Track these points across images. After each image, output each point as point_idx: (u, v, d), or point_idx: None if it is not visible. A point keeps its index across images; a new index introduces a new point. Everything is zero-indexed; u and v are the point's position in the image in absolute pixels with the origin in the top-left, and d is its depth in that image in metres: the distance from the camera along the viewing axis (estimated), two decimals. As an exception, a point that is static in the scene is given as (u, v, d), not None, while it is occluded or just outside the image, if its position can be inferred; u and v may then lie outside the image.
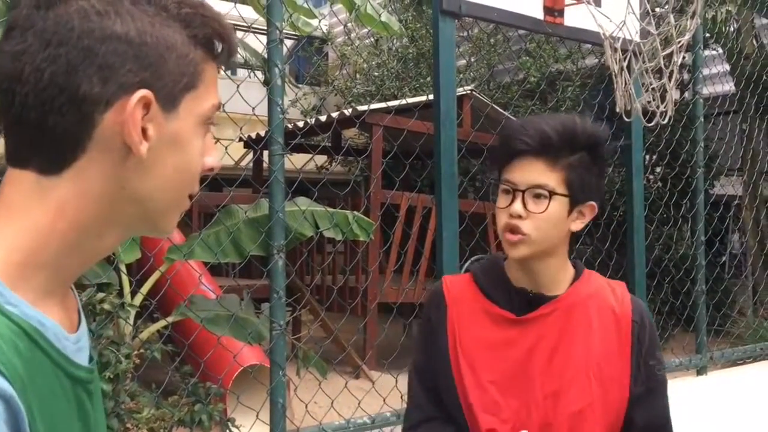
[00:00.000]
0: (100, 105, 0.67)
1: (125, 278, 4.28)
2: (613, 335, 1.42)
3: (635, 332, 1.42)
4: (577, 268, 1.50)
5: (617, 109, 2.73)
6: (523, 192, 1.38)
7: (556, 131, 1.37)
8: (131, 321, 3.96)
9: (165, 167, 0.72)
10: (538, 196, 1.38)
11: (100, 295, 3.17)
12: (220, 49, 0.74)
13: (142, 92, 0.68)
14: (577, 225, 1.43)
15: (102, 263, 4.24)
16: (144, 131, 0.69)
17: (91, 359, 0.76)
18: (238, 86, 2.55)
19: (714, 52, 6.83)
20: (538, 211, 1.37)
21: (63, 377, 0.69)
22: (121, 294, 4.09)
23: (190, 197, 0.77)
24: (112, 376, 2.80)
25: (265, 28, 2.49)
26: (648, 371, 1.42)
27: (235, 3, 2.98)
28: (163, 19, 0.70)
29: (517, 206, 1.38)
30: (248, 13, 4.48)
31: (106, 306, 3.11)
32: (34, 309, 0.67)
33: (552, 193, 1.37)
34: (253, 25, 2.78)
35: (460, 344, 1.45)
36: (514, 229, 1.39)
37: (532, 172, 1.38)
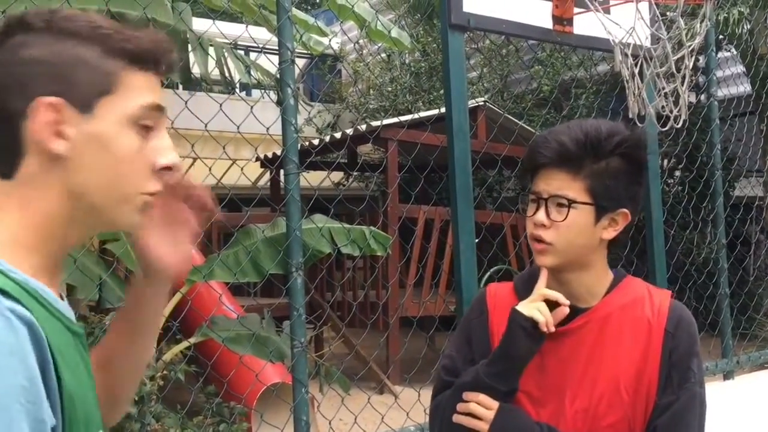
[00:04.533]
0: (22, 117, 0.82)
1: (147, 301, 4.31)
2: (645, 347, 1.38)
3: (667, 343, 1.38)
4: (618, 275, 1.47)
5: (630, 115, 2.73)
6: (546, 201, 1.39)
7: (575, 142, 1.36)
8: (154, 343, 3.99)
9: (93, 164, 0.84)
10: (560, 205, 1.37)
11: (123, 318, 3.19)
12: (148, 60, 0.87)
13: (47, 99, 0.82)
14: (609, 233, 1.40)
15: (124, 287, 4.29)
16: (63, 133, 0.82)
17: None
18: (252, 107, 2.58)
19: (728, 54, 6.80)
20: (560, 220, 1.37)
21: (65, 331, 0.82)
22: (143, 316, 4.12)
23: (151, 195, 0.88)
24: (137, 399, 2.82)
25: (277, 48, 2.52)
26: (678, 381, 1.36)
27: (247, 25, 3.03)
28: (75, 42, 0.84)
29: (540, 215, 1.39)
30: (261, 34, 4.53)
31: (130, 329, 3.13)
32: (32, 278, 0.80)
33: (572, 203, 1.36)
34: (266, 46, 2.82)
35: None
36: (539, 238, 1.40)
37: (554, 181, 1.38)
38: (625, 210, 1.40)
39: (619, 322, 1.40)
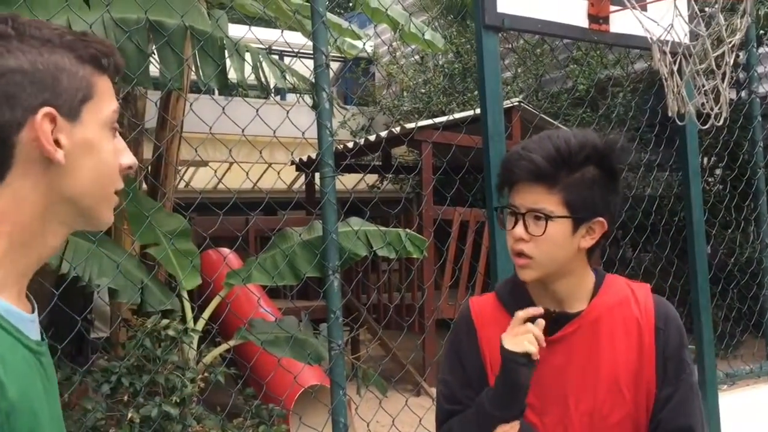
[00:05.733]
0: (14, 128, 0.81)
1: (187, 304, 4.38)
2: (639, 345, 1.42)
3: (659, 338, 1.43)
4: (599, 275, 1.49)
5: (669, 113, 2.69)
6: (524, 215, 1.39)
7: (547, 158, 1.36)
8: (195, 346, 4.05)
9: (84, 168, 0.85)
10: (538, 218, 1.38)
11: (165, 321, 3.25)
12: (106, 64, 0.88)
13: (45, 109, 0.82)
14: (587, 242, 1.41)
15: (165, 290, 4.37)
16: (57, 141, 0.83)
17: (42, 339, 0.88)
18: (288, 112, 2.61)
19: (769, 49, 6.64)
20: (538, 234, 1.38)
21: (17, 343, 0.81)
22: (184, 320, 4.19)
23: (117, 193, 0.90)
24: (178, 400, 2.87)
25: (312, 52, 2.55)
26: (675, 373, 1.42)
27: (282, 30, 3.06)
28: (49, 48, 0.84)
29: (518, 229, 1.40)
30: (296, 38, 4.57)
31: (171, 332, 3.19)
32: None
33: (548, 217, 1.37)
34: (301, 50, 2.85)
35: (493, 368, 1.45)
36: (519, 252, 1.40)
37: (530, 195, 1.39)
38: (602, 219, 1.41)
39: (610, 324, 1.43)
